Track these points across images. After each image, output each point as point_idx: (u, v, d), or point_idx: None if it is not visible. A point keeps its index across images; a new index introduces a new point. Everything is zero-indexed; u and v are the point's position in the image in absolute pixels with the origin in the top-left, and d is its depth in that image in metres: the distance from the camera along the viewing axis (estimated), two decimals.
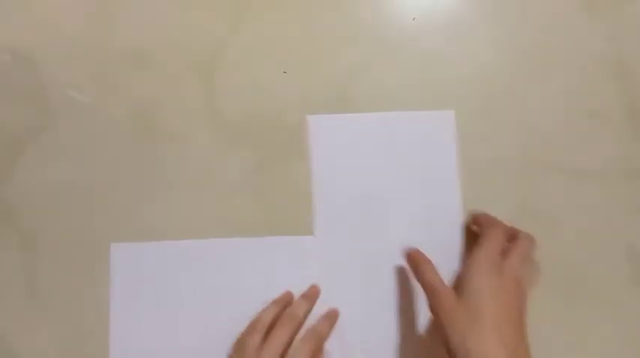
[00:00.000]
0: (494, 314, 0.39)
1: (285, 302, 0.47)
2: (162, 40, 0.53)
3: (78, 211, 0.49)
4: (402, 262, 0.45)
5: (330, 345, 0.46)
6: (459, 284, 0.41)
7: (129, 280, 0.48)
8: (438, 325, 0.40)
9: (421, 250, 0.45)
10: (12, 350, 0.47)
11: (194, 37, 0.53)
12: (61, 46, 0.52)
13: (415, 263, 0.44)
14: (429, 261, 0.44)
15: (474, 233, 0.48)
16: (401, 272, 0.48)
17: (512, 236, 0.44)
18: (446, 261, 0.46)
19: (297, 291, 0.48)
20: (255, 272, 0.48)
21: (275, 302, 0.47)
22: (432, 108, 0.52)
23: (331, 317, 0.47)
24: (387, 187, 0.49)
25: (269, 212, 0.49)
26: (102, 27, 0.53)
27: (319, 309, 0.47)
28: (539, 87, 0.53)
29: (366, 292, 0.48)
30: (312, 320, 0.46)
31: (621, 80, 0.53)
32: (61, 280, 0.48)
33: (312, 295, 0.47)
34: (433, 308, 0.41)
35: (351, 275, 0.48)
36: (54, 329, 0.47)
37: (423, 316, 0.47)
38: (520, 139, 0.51)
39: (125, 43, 0.53)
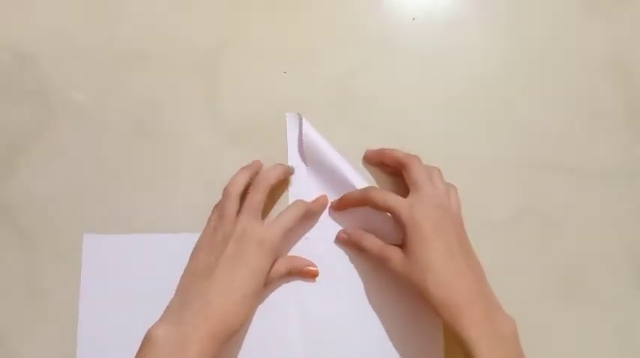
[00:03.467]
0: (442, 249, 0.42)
1: (254, 168, 0.48)
2: (163, 40, 0.53)
3: (78, 211, 0.49)
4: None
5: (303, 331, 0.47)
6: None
7: (101, 272, 0.47)
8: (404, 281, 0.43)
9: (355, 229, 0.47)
10: (12, 350, 0.47)
11: (194, 37, 0.53)
12: (61, 46, 0.52)
13: (356, 241, 0.47)
14: (366, 233, 0.46)
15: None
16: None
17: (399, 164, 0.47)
18: None
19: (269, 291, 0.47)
20: None
21: (244, 168, 0.47)
22: (431, 110, 0.52)
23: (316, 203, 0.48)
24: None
25: (267, 211, 0.49)
26: (102, 27, 0.53)
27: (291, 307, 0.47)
28: (539, 87, 0.53)
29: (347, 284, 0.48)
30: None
31: (621, 80, 0.53)
32: (61, 280, 0.48)
33: (285, 166, 0.48)
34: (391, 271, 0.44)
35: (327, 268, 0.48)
36: (54, 329, 0.47)
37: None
38: (520, 139, 0.51)
39: (125, 43, 0.53)
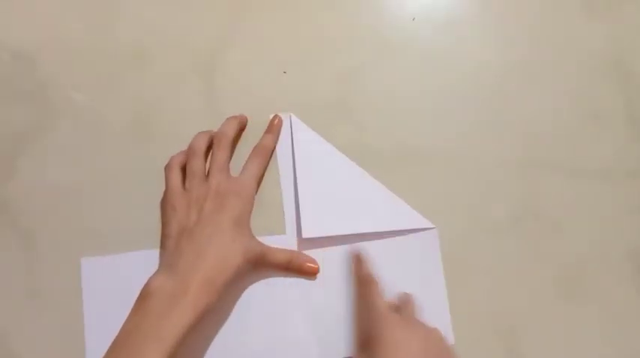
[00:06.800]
0: None
1: (209, 134, 0.49)
2: (163, 40, 0.53)
3: (78, 211, 0.49)
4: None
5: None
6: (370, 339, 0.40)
7: (102, 294, 0.47)
8: None
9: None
10: (12, 350, 0.47)
11: (194, 37, 0.53)
12: (61, 46, 0.52)
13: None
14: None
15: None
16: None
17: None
18: None
19: (274, 286, 0.47)
20: None
21: (202, 132, 0.49)
22: (431, 110, 0.52)
23: (273, 128, 0.50)
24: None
25: (271, 211, 0.49)
26: (102, 27, 0.53)
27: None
28: (539, 87, 0.53)
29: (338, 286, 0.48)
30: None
31: (621, 80, 0.53)
32: (61, 280, 0.48)
33: (241, 118, 0.50)
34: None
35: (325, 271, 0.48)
36: (54, 329, 0.47)
37: None
38: (520, 139, 0.51)
39: (125, 43, 0.53)
